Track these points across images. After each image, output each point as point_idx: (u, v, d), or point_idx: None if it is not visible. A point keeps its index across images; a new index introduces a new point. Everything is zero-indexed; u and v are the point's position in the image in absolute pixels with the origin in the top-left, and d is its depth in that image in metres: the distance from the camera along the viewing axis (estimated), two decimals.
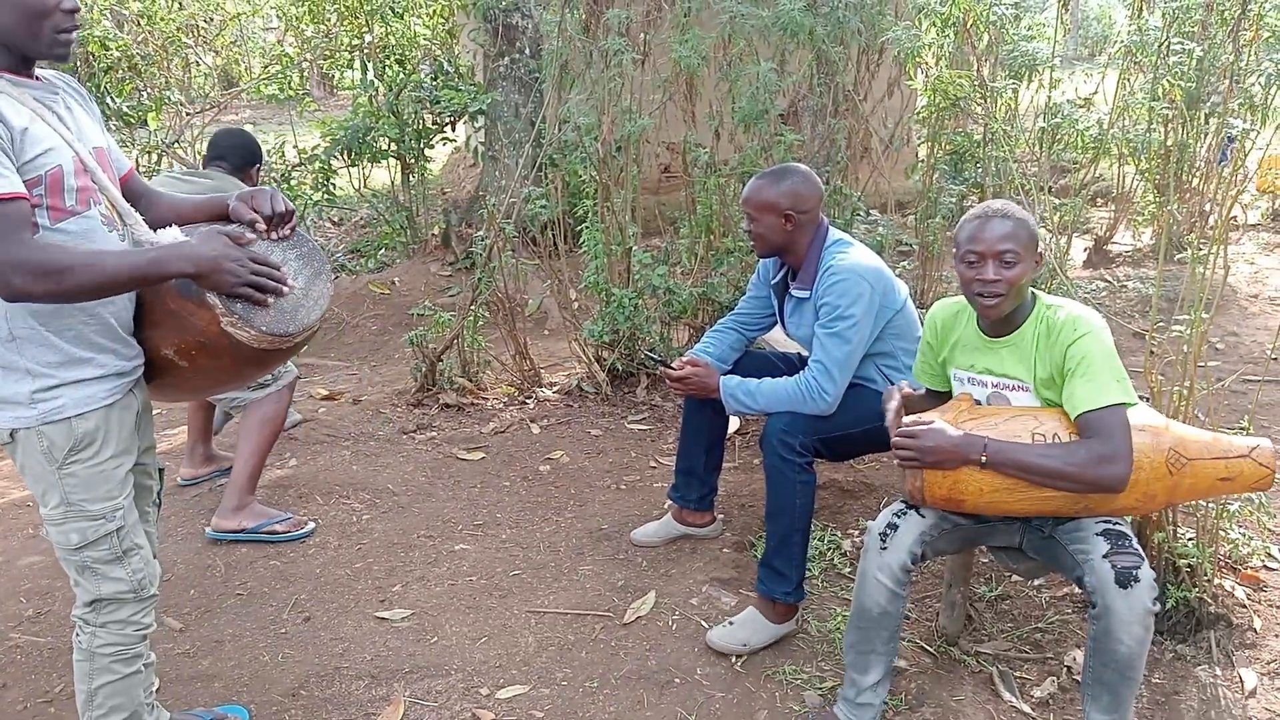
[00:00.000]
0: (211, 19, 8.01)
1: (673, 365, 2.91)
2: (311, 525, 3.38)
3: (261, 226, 1.85)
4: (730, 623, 2.65)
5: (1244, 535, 2.77)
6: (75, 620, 1.91)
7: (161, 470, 2.11)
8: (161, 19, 7.11)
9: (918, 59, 3.73)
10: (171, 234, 1.81)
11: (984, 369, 2.18)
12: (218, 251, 1.71)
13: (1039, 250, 2.10)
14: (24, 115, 1.65)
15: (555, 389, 4.61)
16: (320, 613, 2.88)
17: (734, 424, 3.82)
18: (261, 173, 3.63)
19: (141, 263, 1.66)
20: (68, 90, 1.85)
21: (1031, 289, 2.16)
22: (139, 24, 6.92)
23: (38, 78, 1.76)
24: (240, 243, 1.77)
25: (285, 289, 1.80)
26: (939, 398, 2.34)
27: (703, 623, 2.74)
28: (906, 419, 2.11)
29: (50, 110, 1.73)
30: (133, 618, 1.90)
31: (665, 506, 3.30)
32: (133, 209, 1.86)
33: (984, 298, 2.06)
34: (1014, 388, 2.14)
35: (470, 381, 4.56)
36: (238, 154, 3.43)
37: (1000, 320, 2.12)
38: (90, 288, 1.62)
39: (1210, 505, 2.58)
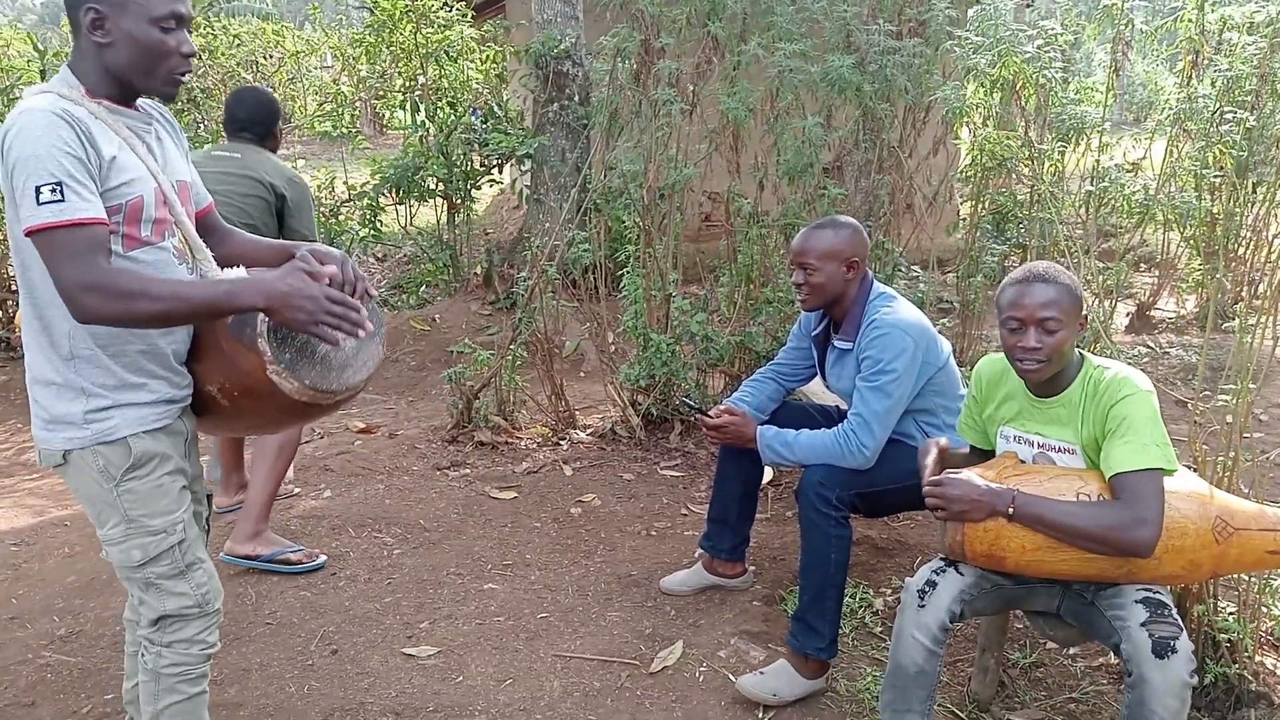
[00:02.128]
0: (270, 56, 8.25)
1: (710, 413, 2.91)
2: (323, 558, 3.38)
3: (330, 271, 1.79)
4: (762, 672, 2.61)
5: None
6: (141, 640, 1.90)
7: (209, 496, 2.13)
8: (223, 54, 7.33)
9: (967, 117, 3.74)
10: (237, 274, 1.82)
11: (1032, 429, 2.16)
12: (291, 287, 1.67)
13: (1083, 313, 2.09)
14: (114, 143, 1.68)
15: (589, 431, 4.62)
16: (348, 646, 2.88)
17: (768, 474, 3.80)
18: (283, 133, 3.66)
19: (216, 293, 1.68)
20: (161, 121, 1.88)
21: (1079, 350, 2.14)
22: (200, 58, 7.13)
23: (136, 107, 1.80)
24: (318, 279, 1.74)
25: (362, 332, 1.75)
26: (982, 455, 2.31)
27: (730, 676, 2.70)
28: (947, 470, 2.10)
29: (141, 140, 1.76)
30: (198, 636, 1.89)
31: (696, 555, 3.28)
32: (204, 244, 1.88)
33: (1024, 363, 2.05)
34: (1060, 449, 2.11)
35: (505, 420, 4.59)
36: (260, 125, 3.46)
37: (1046, 382, 2.11)
38: (162, 314, 1.64)
39: (1253, 579, 2.52)
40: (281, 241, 2.02)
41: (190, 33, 1.77)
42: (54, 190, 1.56)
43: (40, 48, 6.10)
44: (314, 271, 1.74)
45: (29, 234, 1.58)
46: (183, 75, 1.75)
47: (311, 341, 1.82)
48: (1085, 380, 2.08)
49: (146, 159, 1.75)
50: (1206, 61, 4.96)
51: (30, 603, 3.14)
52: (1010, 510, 1.97)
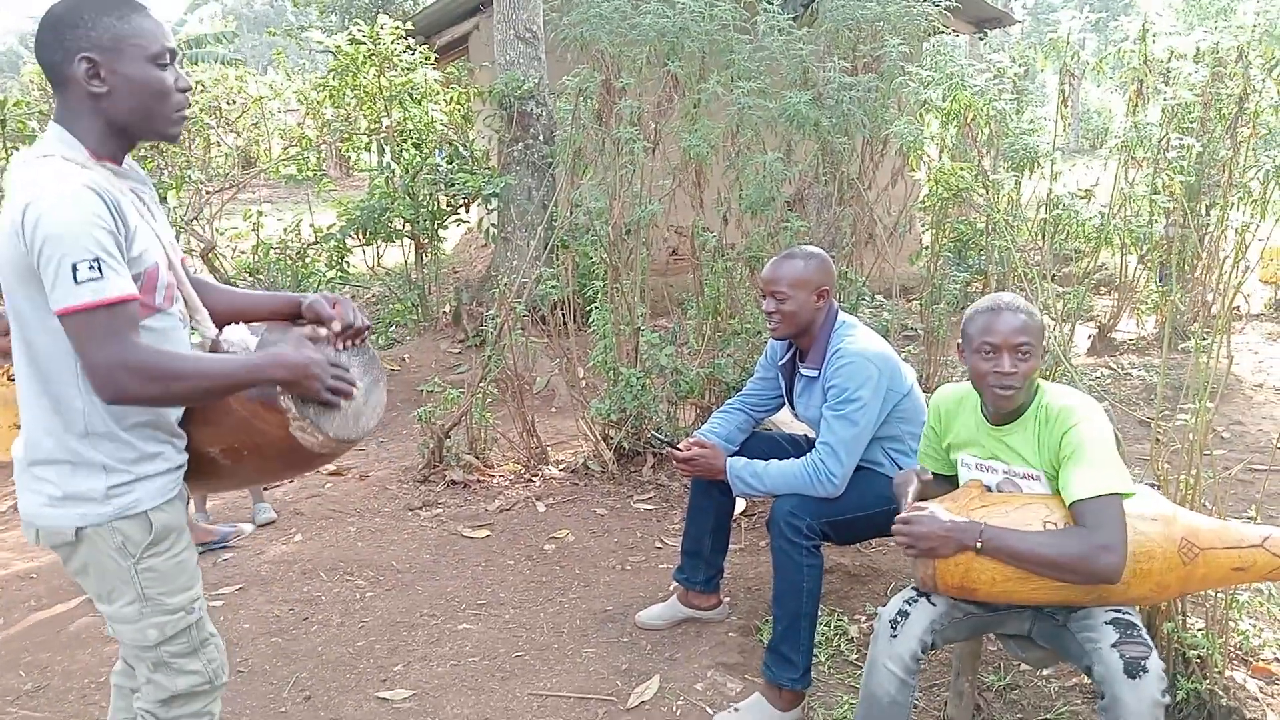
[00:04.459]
0: (234, 101, 8.25)
1: (679, 446, 2.93)
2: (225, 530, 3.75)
3: (337, 327, 1.84)
4: (736, 708, 2.61)
5: (1255, 626, 2.74)
6: (141, 712, 1.81)
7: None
8: None
9: (920, 151, 3.82)
10: (240, 333, 1.79)
11: (991, 455, 2.19)
12: (308, 358, 1.69)
13: (1043, 342, 2.13)
14: (134, 213, 1.62)
15: (561, 467, 4.62)
16: (321, 691, 2.85)
17: (740, 505, 3.82)
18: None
19: (241, 369, 1.65)
20: (147, 182, 1.81)
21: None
22: None
23: (126, 167, 1.72)
24: (315, 340, 1.77)
25: (356, 390, 1.79)
26: (948, 483, 2.34)
27: (707, 709, 2.70)
28: (912, 504, 2.12)
29: (143, 203, 1.71)
30: (205, 709, 1.83)
31: (670, 588, 3.28)
32: (200, 304, 1.82)
33: (999, 389, 2.07)
34: (1025, 475, 2.14)
35: (477, 458, 4.58)
36: None
37: (1007, 409, 2.14)
38: (197, 393, 1.62)
39: (1219, 595, 2.56)
40: (268, 293, 1.98)
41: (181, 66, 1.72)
42: (92, 267, 1.49)
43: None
44: (313, 336, 1.77)
45: (65, 314, 1.50)
46: (184, 112, 1.70)
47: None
48: (1038, 407, 2.12)
49: (152, 223, 1.70)
50: (1151, 90, 5.10)
51: None
52: (978, 545, 1.99)
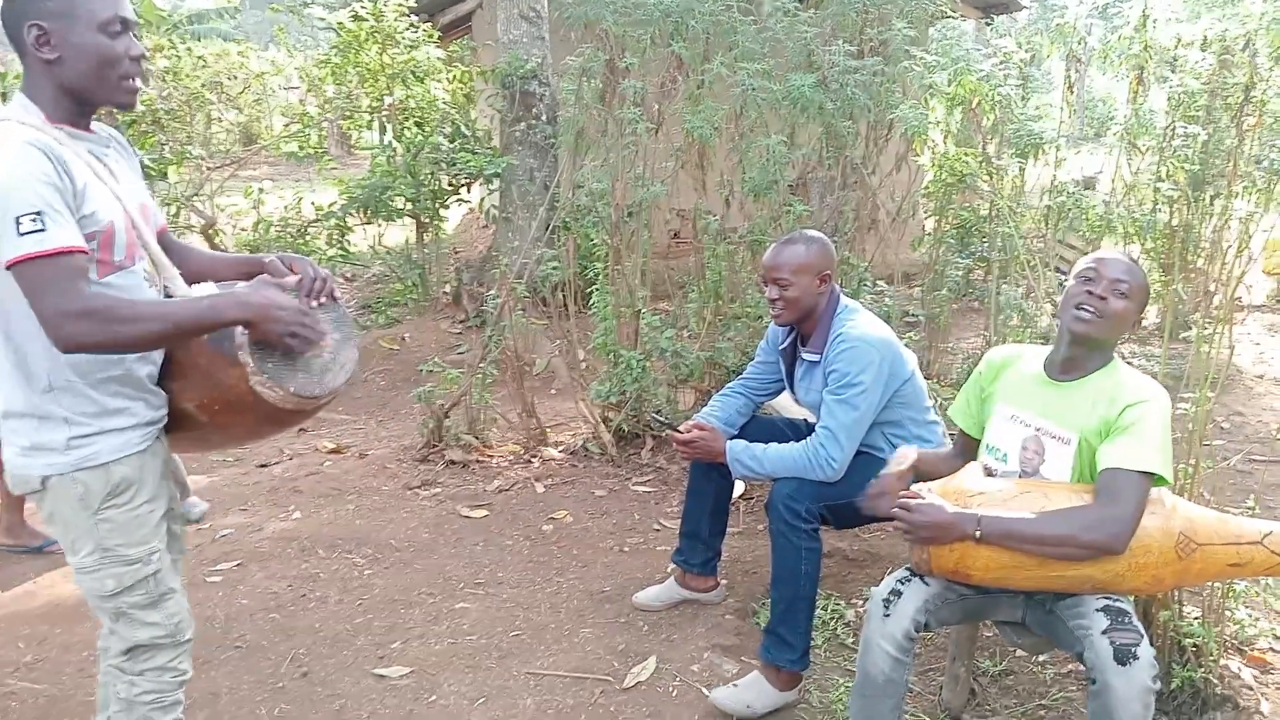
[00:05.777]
0: (235, 77, 8.21)
1: (680, 428, 2.93)
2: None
3: (292, 281, 1.86)
4: (735, 685, 2.63)
5: (1251, 616, 2.75)
6: (111, 670, 1.87)
7: (183, 516, 2.10)
8: (187, 76, 7.29)
9: (924, 137, 3.81)
10: (208, 290, 1.82)
11: (1039, 411, 2.16)
12: (267, 299, 1.72)
13: (1143, 311, 2.12)
14: (85, 171, 1.66)
15: (561, 448, 4.62)
16: (318, 668, 2.86)
17: (739, 489, 3.82)
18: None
19: (199, 310, 1.68)
20: (116, 145, 1.86)
21: (1116, 352, 2.17)
22: (164, 80, 7.09)
23: (92, 130, 1.78)
24: (285, 289, 1.79)
25: (324, 340, 1.81)
26: (967, 457, 2.33)
27: (703, 690, 2.71)
28: (911, 489, 2.12)
29: (103, 164, 1.75)
30: (170, 664, 1.88)
31: (668, 570, 3.29)
32: (170, 263, 1.87)
33: (1082, 311, 2.06)
34: (1056, 436, 2.12)
35: (476, 439, 4.58)
36: None
37: (1073, 359, 2.13)
38: (149, 335, 1.64)
39: (1216, 585, 2.57)
40: (243, 256, 2.04)
41: (138, 37, 1.75)
42: (35, 220, 1.54)
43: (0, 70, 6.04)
44: (280, 283, 1.80)
45: (10, 266, 1.55)
46: (135, 80, 1.73)
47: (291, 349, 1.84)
48: (1106, 374, 2.10)
49: (110, 183, 1.74)
50: (1152, 78, 5.07)
51: None
52: (977, 533, 1.99)
